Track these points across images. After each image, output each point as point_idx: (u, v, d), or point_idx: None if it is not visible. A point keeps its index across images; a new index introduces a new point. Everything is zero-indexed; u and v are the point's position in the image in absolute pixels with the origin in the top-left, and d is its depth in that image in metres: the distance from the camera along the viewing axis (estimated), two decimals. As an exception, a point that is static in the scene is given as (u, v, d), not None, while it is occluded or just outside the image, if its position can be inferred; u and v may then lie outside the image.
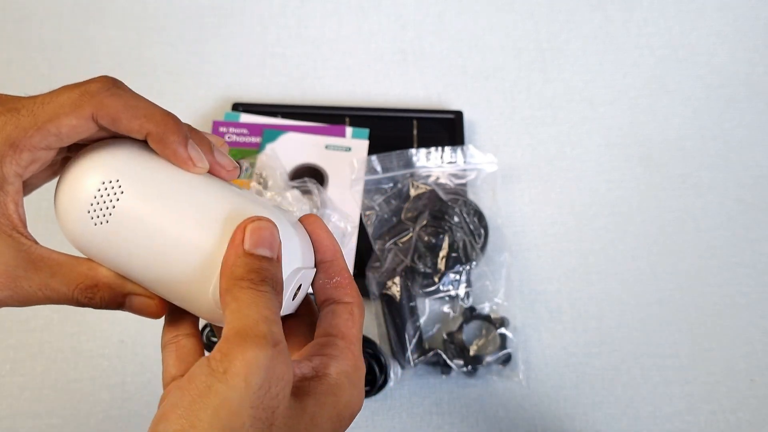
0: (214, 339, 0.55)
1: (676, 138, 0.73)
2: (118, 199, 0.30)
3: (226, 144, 0.35)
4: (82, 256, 0.32)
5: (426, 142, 0.70)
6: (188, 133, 0.31)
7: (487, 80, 0.77)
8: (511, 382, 0.59)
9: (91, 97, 0.30)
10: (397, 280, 0.59)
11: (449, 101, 0.75)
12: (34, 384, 0.59)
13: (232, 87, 0.76)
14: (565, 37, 0.80)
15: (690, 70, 0.77)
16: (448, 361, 0.58)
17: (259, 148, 0.68)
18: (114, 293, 0.31)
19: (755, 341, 0.62)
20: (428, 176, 0.67)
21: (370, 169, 0.66)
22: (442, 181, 0.66)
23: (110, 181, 0.30)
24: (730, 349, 0.61)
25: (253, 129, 0.69)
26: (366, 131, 0.70)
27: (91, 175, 0.31)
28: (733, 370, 0.60)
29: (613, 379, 0.60)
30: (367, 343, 0.57)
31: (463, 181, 0.67)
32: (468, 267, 0.61)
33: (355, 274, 0.62)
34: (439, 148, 0.67)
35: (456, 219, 0.62)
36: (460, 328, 0.60)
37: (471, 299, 0.61)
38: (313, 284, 0.34)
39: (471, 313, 0.60)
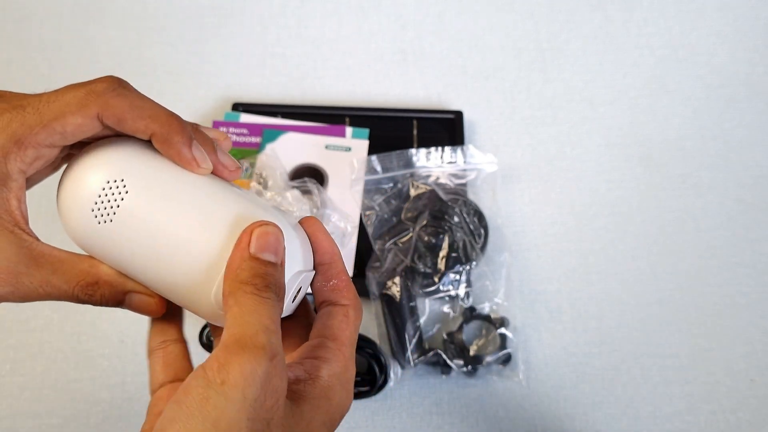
0: (212, 339, 0.55)
1: (676, 138, 0.73)
2: (122, 199, 0.30)
3: (230, 138, 0.35)
4: (84, 253, 0.32)
5: (426, 142, 0.70)
6: (192, 133, 0.32)
7: (487, 80, 0.77)
8: (511, 382, 0.59)
9: (97, 96, 0.30)
10: (397, 280, 0.59)
11: (449, 101, 0.75)
12: (34, 384, 0.59)
13: (232, 87, 0.76)
14: (565, 37, 0.80)
15: (690, 70, 0.77)
16: (448, 361, 0.58)
17: (259, 148, 0.68)
18: (115, 291, 0.32)
19: (755, 341, 0.62)
20: (428, 176, 0.67)
21: (370, 169, 0.66)
22: (442, 181, 0.66)
23: (115, 180, 0.31)
24: (730, 349, 0.61)
25: (253, 129, 0.69)
26: (366, 131, 0.70)
27: (96, 173, 0.31)
28: (733, 370, 0.60)
29: (613, 379, 0.60)
30: (367, 343, 0.57)
31: (463, 181, 0.67)
32: (468, 267, 0.61)
33: (355, 274, 0.62)
34: (439, 148, 0.67)
35: (456, 219, 0.62)
36: (460, 328, 0.60)
37: (471, 299, 0.61)
38: (311, 286, 0.34)
39: (471, 313, 0.60)
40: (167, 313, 0.34)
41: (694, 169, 0.71)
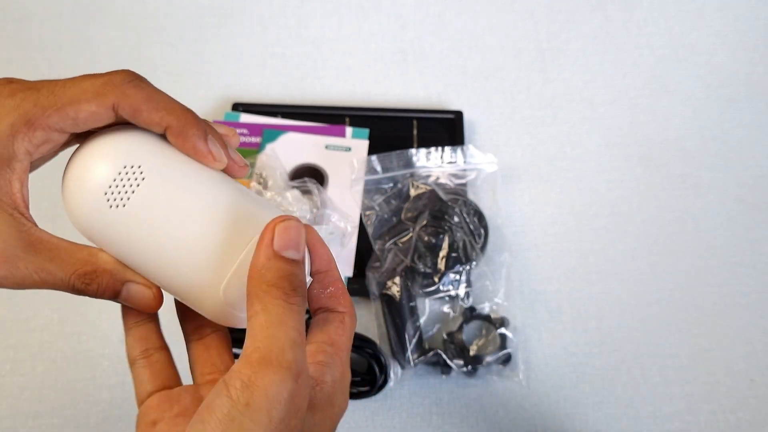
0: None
1: (676, 138, 0.73)
2: (138, 185, 0.30)
3: (237, 134, 0.35)
4: (84, 243, 0.32)
5: (426, 142, 0.70)
6: (207, 128, 0.32)
7: (487, 80, 0.77)
8: (511, 382, 0.59)
9: (114, 87, 0.30)
10: (397, 280, 0.59)
11: (449, 101, 0.75)
12: (34, 384, 0.59)
13: (232, 87, 0.76)
14: (565, 37, 0.80)
15: (690, 70, 0.77)
16: (448, 361, 0.58)
17: (259, 148, 0.68)
18: (113, 280, 0.31)
19: (755, 341, 0.62)
20: (428, 176, 0.67)
21: (370, 169, 0.66)
22: (442, 181, 0.66)
23: (132, 166, 0.30)
24: (730, 349, 0.61)
25: (253, 129, 0.69)
26: (366, 131, 0.70)
27: (114, 157, 0.31)
28: (733, 370, 0.60)
29: (613, 379, 0.60)
30: (367, 343, 0.57)
31: (463, 181, 0.67)
32: (468, 267, 0.61)
33: (355, 274, 0.62)
34: (439, 148, 0.67)
35: (456, 219, 0.62)
36: (460, 328, 0.60)
37: (471, 299, 0.61)
38: (308, 292, 0.34)
39: (471, 313, 0.60)
40: (146, 320, 0.34)
41: (694, 169, 0.71)
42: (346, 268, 0.62)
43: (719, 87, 0.76)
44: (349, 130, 0.70)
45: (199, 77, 0.77)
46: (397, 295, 0.59)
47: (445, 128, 0.72)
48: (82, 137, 0.32)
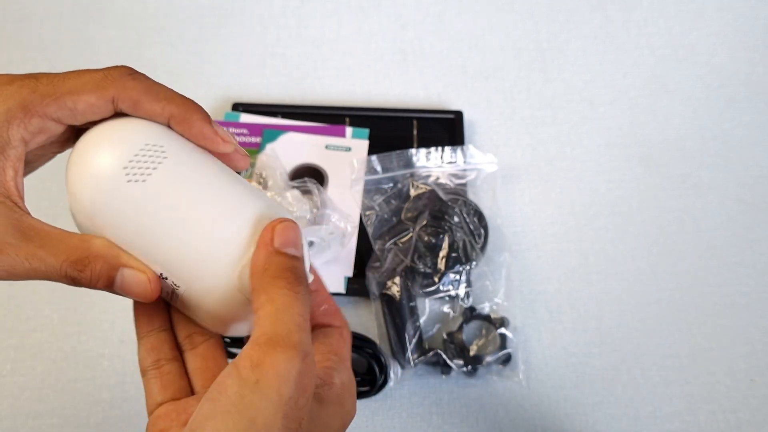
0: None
1: (676, 138, 0.73)
2: (160, 162, 0.30)
3: (234, 135, 0.35)
4: (76, 232, 0.31)
5: (426, 142, 0.70)
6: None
7: (487, 80, 0.77)
8: (511, 382, 0.59)
9: (114, 80, 0.30)
10: (397, 280, 0.59)
11: (449, 101, 0.75)
12: (34, 384, 0.59)
13: (232, 87, 0.76)
14: (565, 37, 0.80)
15: (690, 70, 0.77)
16: (448, 361, 0.58)
17: (259, 148, 0.68)
18: (106, 265, 0.30)
19: (755, 341, 0.62)
20: (428, 176, 0.67)
21: (370, 169, 0.66)
22: (442, 181, 0.66)
23: (154, 144, 0.30)
24: (730, 349, 0.61)
25: (253, 129, 0.69)
26: (366, 131, 0.70)
27: (137, 133, 0.31)
28: (733, 370, 0.60)
29: (613, 379, 0.60)
30: (367, 343, 0.57)
31: (463, 181, 0.67)
32: (468, 267, 0.61)
33: (355, 274, 0.62)
34: (439, 148, 0.67)
35: (456, 219, 0.62)
36: (460, 328, 0.60)
37: (471, 299, 0.61)
38: None
39: (471, 313, 0.60)
40: (158, 329, 0.34)
41: (694, 169, 0.71)
42: (346, 268, 0.62)
43: (719, 87, 0.76)
44: (349, 130, 0.70)
45: (199, 77, 0.77)
46: (397, 295, 0.59)
47: (445, 128, 0.72)
48: (76, 137, 0.32)
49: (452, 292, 0.61)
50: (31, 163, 0.33)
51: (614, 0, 0.82)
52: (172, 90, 0.32)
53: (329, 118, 0.72)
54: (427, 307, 0.61)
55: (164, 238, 0.30)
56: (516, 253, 0.65)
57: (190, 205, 0.30)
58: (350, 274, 0.62)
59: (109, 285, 0.30)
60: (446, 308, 0.61)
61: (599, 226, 0.67)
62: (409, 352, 0.58)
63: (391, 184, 0.66)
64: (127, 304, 0.64)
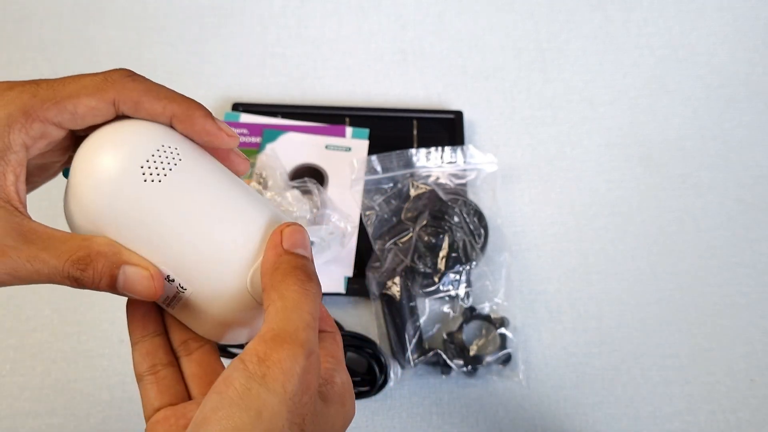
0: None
1: (676, 138, 0.73)
2: (176, 164, 0.30)
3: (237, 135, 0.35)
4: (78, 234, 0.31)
5: (426, 142, 0.70)
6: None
7: (487, 80, 0.77)
8: (511, 382, 0.59)
9: (114, 82, 0.30)
10: (397, 280, 0.59)
11: (449, 101, 0.75)
12: (34, 384, 0.59)
13: (232, 87, 0.76)
14: (565, 37, 0.80)
15: (690, 70, 0.77)
16: (448, 361, 0.58)
17: (259, 148, 0.68)
18: (108, 263, 0.29)
19: (755, 341, 0.62)
20: (428, 176, 0.67)
21: (370, 169, 0.66)
22: (442, 181, 0.66)
23: (170, 146, 0.31)
24: (730, 349, 0.61)
25: (253, 129, 0.69)
26: (366, 131, 0.70)
27: (154, 133, 0.31)
28: (733, 370, 0.60)
29: (613, 379, 0.60)
30: (367, 343, 0.57)
31: (463, 181, 0.67)
32: (468, 267, 0.61)
33: (355, 274, 0.62)
34: (439, 148, 0.67)
35: (456, 219, 0.62)
36: (460, 328, 0.60)
37: (471, 299, 0.61)
38: None
39: (471, 313, 0.60)
40: (153, 334, 0.34)
41: (694, 169, 0.71)
42: (346, 268, 0.62)
43: (719, 87, 0.76)
44: (349, 130, 0.70)
45: (199, 77, 0.77)
46: (397, 295, 0.59)
47: (445, 128, 0.72)
48: (76, 145, 0.32)
49: (452, 292, 0.61)
50: (34, 177, 0.33)
51: (614, 0, 0.82)
52: (172, 90, 0.32)
53: (329, 118, 0.72)
54: (427, 307, 0.61)
55: (177, 239, 0.30)
56: (516, 253, 0.65)
57: (204, 207, 0.30)
58: (350, 274, 0.62)
59: (112, 284, 0.30)
60: (446, 308, 0.61)
61: (599, 226, 0.67)
62: (409, 352, 0.58)
63: (391, 184, 0.66)
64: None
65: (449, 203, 0.63)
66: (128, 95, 0.30)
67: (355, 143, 0.69)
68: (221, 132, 0.32)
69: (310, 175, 0.65)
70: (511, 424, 0.58)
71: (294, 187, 0.63)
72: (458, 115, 0.72)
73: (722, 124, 0.74)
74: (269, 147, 0.68)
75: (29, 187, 0.32)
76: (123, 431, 0.57)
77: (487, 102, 0.75)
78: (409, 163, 0.67)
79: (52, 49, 0.78)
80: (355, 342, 0.56)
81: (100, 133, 0.31)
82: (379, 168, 0.66)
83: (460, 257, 0.61)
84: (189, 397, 0.33)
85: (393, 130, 0.71)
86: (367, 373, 0.57)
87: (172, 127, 0.32)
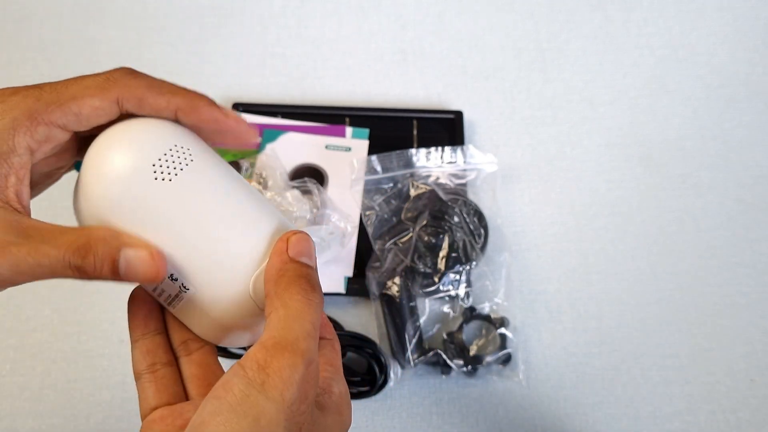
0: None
1: (676, 138, 0.73)
2: (187, 164, 0.31)
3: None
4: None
5: (426, 142, 0.70)
6: None
7: (487, 80, 0.77)
8: (511, 382, 0.59)
9: (116, 81, 0.31)
10: (397, 280, 0.59)
11: (449, 101, 0.75)
12: (34, 384, 0.59)
13: (232, 87, 0.76)
14: (565, 37, 0.80)
15: (690, 70, 0.77)
16: (448, 361, 0.58)
17: (259, 148, 0.68)
18: (108, 247, 0.29)
19: (755, 341, 0.62)
20: (428, 176, 0.67)
21: (370, 169, 0.66)
22: (442, 181, 0.66)
23: (182, 146, 0.31)
24: (730, 349, 0.61)
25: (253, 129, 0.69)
26: (366, 131, 0.70)
27: (168, 132, 0.31)
28: (733, 370, 0.60)
29: (613, 379, 0.60)
30: (367, 343, 0.57)
31: (463, 181, 0.67)
32: (468, 267, 0.61)
33: (355, 274, 0.62)
34: (439, 148, 0.67)
35: (456, 219, 0.62)
36: (460, 328, 0.60)
37: (471, 299, 0.61)
38: None
39: (471, 313, 0.60)
40: (153, 332, 0.34)
41: (694, 169, 0.71)
42: (346, 268, 0.62)
43: (719, 87, 0.76)
44: (349, 130, 0.70)
45: (199, 77, 0.77)
46: (397, 295, 0.59)
47: (445, 128, 0.72)
48: (82, 149, 0.32)
49: (452, 292, 0.61)
50: (38, 184, 0.33)
51: (614, 0, 0.82)
52: (174, 84, 0.32)
53: (329, 118, 0.72)
54: (427, 307, 0.61)
55: (182, 238, 0.30)
56: (516, 253, 0.65)
57: (212, 209, 0.31)
58: (350, 274, 0.62)
59: (114, 270, 0.29)
60: (446, 308, 0.61)
61: (599, 226, 0.67)
62: (409, 352, 0.58)
63: (391, 184, 0.66)
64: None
65: (449, 203, 0.63)
66: (131, 92, 0.31)
67: (355, 143, 0.69)
68: (228, 118, 0.32)
69: (310, 175, 0.65)
70: (511, 424, 0.58)
71: (294, 187, 0.63)
72: (458, 115, 0.72)
73: (722, 124, 0.74)
74: (269, 147, 0.68)
75: (34, 192, 0.32)
76: (123, 431, 0.57)
77: (487, 102, 0.75)
78: (409, 163, 0.67)
79: (52, 49, 0.78)
80: (355, 342, 0.56)
81: (114, 130, 0.31)
82: (379, 168, 0.66)
83: (460, 257, 0.61)
84: (186, 398, 0.33)
85: (393, 130, 0.71)
86: (367, 373, 0.57)
87: (177, 121, 0.32)
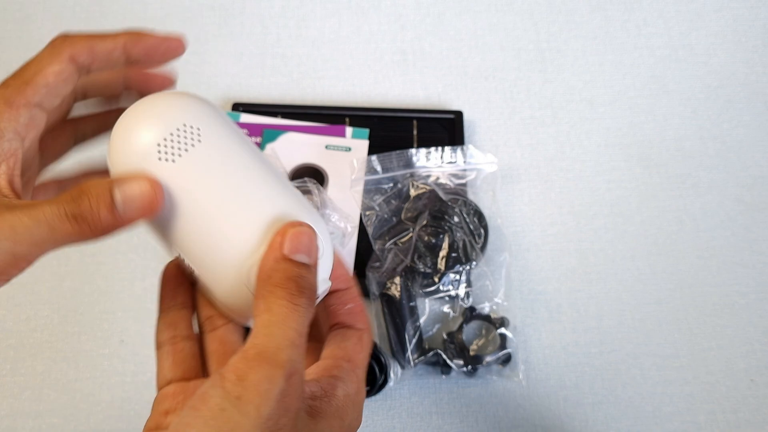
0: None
1: (676, 138, 0.73)
2: (193, 145, 0.30)
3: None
4: None
5: (426, 142, 0.70)
6: None
7: (487, 80, 0.77)
8: (511, 382, 0.59)
9: (61, 43, 0.32)
10: (397, 280, 0.59)
11: (449, 101, 0.75)
12: (34, 384, 0.59)
13: (232, 87, 0.76)
14: (565, 37, 0.80)
15: (689, 71, 0.77)
16: (448, 361, 0.58)
17: (259, 148, 0.68)
18: (101, 188, 0.29)
19: (755, 341, 0.62)
20: (428, 176, 0.67)
21: (370, 169, 0.66)
22: (442, 181, 0.66)
23: (191, 126, 0.31)
24: (730, 349, 0.61)
25: (253, 129, 0.69)
26: (366, 131, 0.70)
27: (179, 110, 0.31)
28: (733, 370, 0.60)
29: (613, 379, 0.60)
30: (367, 343, 0.57)
31: (463, 181, 0.67)
32: (468, 267, 0.61)
33: (355, 274, 0.62)
34: (439, 148, 0.67)
35: (456, 219, 0.62)
36: (460, 328, 0.60)
37: (471, 299, 0.61)
38: (326, 306, 0.34)
39: (471, 313, 0.60)
40: (180, 306, 0.34)
41: (693, 169, 0.71)
42: (346, 268, 0.62)
43: (718, 87, 0.76)
44: (349, 130, 0.70)
45: (199, 77, 0.77)
46: (397, 295, 0.59)
47: (445, 128, 0.72)
48: (74, 129, 0.33)
49: (452, 292, 0.61)
50: (46, 156, 0.34)
51: (614, 0, 0.82)
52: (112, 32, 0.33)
53: (329, 118, 0.72)
54: (427, 307, 0.61)
55: (182, 221, 0.30)
56: (516, 253, 0.65)
57: (212, 193, 0.30)
58: (350, 274, 0.62)
59: (112, 208, 0.29)
60: (446, 308, 0.61)
61: (599, 226, 0.67)
62: (409, 352, 0.58)
63: (391, 184, 0.66)
64: (128, 303, 0.64)
65: (449, 203, 0.63)
66: (79, 46, 0.31)
67: (355, 143, 0.69)
68: (168, 40, 0.33)
69: (310, 175, 0.65)
70: (511, 424, 0.58)
71: (294, 187, 0.63)
72: (458, 115, 0.72)
73: (721, 124, 0.74)
74: (269, 147, 0.68)
75: (46, 161, 0.33)
76: (123, 431, 0.57)
77: (486, 102, 0.75)
78: (409, 163, 0.67)
79: (51, 49, 0.78)
80: (355, 342, 0.56)
81: (131, 108, 0.32)
82: (379, 168, 0.66)
83: (460, 257, 0.61)
84: (206, 374, 0.33)
85: (393, 130, 0.71)
86: (368, 373, 0.57)
87: (129, 60, 0.33)
